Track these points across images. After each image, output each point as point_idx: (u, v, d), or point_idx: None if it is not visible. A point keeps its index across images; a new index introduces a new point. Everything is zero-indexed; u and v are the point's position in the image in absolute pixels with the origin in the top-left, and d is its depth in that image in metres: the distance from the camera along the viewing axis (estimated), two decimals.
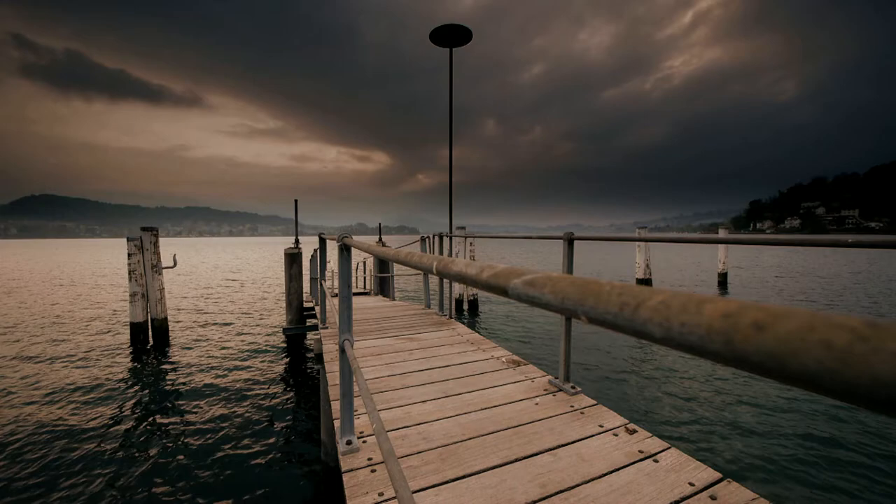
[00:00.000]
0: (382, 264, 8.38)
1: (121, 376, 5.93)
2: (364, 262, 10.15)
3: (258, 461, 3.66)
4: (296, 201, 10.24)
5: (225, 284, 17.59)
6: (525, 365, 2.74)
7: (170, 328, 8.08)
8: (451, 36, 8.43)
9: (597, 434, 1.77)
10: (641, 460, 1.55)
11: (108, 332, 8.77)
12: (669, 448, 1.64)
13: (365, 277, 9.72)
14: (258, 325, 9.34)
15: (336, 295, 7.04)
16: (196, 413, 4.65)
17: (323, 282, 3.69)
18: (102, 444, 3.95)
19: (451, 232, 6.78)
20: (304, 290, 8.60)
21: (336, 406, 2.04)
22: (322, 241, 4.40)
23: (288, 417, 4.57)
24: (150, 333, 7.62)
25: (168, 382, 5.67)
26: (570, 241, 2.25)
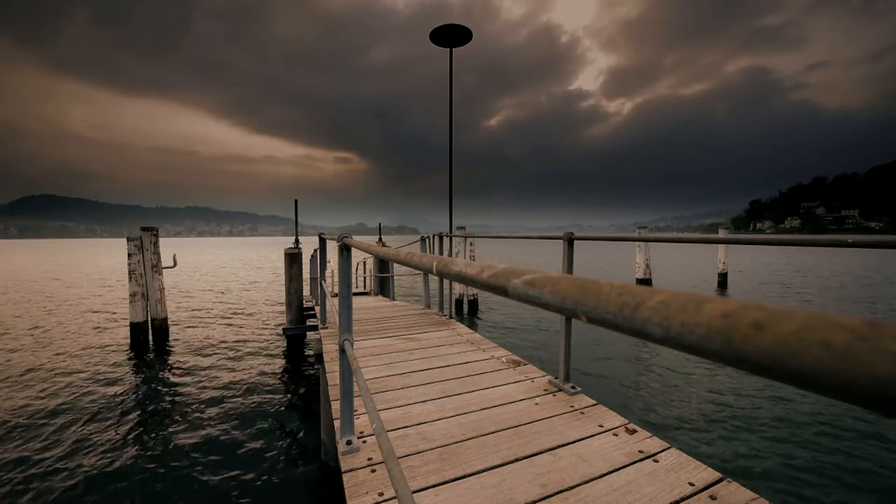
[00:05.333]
0: (382, 264, 8.38)
1: (121, 376, 5.93)
2: (364, 262, 10.15)
3: (258, 461, 3.66)
4: (296, 201, 10.24)
5: (220, 287, 17.58)
6: (525, 365, 2.74)
7: (169, 328, 8.07)
8: (451, 36, 8.44)
9: (597, 434, 1.77)
10: (641, 460, 1.55)
11: (108, 332, 8.77)
12: (669, 448, 1.64)
13: (365, 277, 9.72)
14: (258, 326, 9.34)
15: (336, 295, 7.04)
16: (195, 413, 4.65)
17: (323, 282, 3.69)
18: (101, 444, 3.95)
19: (451, 232, 6.78)
20: (304, 291, 8.60)
21: (336, 406, 2.04)
22: (322, 241, 4.40)
23: (288, 417, 4.57)
24: (150, 333, 7.62)
25: (167, 382, 5.67)
26: (570, 241, 2.25)
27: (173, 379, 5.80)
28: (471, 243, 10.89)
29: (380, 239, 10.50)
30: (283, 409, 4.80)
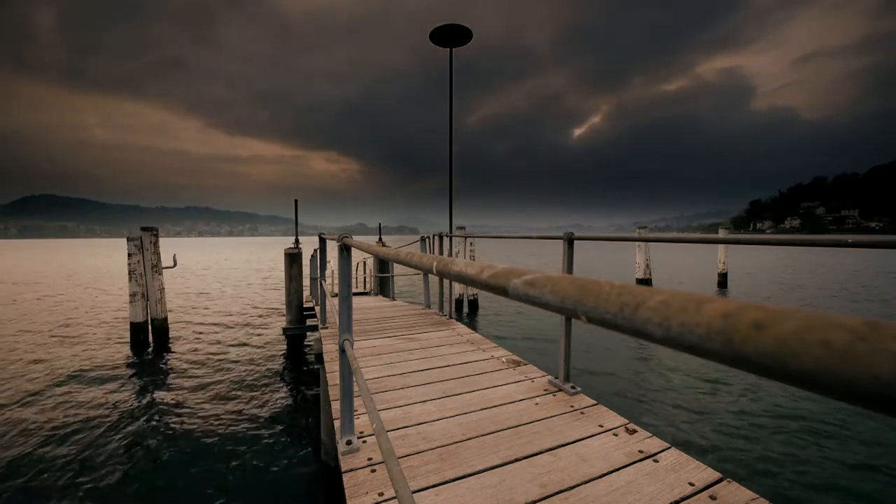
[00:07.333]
0: (382, 264, 8.37)
1: (121, 376, 5.93)
2: (364, 262, 10.14)
3: (258, 461, 3.66)
4: (296, 201, 10.23)
5: (220, 288, 17.57)
6: (525, 365, 2.74)
7: (169, 328, 8.07)
8: (451, 36, 8.44)
9: (597, 434, 1.77)
10: (641, 460, 1.55)
11: (108, 332, 8.77)
12: (669, 448, 1.64)
13: (365, 277, 9.72)
14: (258, 326, 9.35)
15: (336, 295, 7.03)
16: (195, 413, 4.65)
17: (323, 282, 3.69)
18: (100, 444, 3.95)
19: (451, 232, 6.78)
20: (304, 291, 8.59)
21: (336, 406, 2.04)
22: (322, 241, 4.40)
23: (288, 417, 4.57)
24: (150, 333, 7.62)
25: (167, 382, 5.67)
26: (570, 241, 2.25)
27: (172, 379, 5.80)
28: (471, 243, 10.89)
29: (380, 239, 10.50)
30: (282, 409, 4.79)
